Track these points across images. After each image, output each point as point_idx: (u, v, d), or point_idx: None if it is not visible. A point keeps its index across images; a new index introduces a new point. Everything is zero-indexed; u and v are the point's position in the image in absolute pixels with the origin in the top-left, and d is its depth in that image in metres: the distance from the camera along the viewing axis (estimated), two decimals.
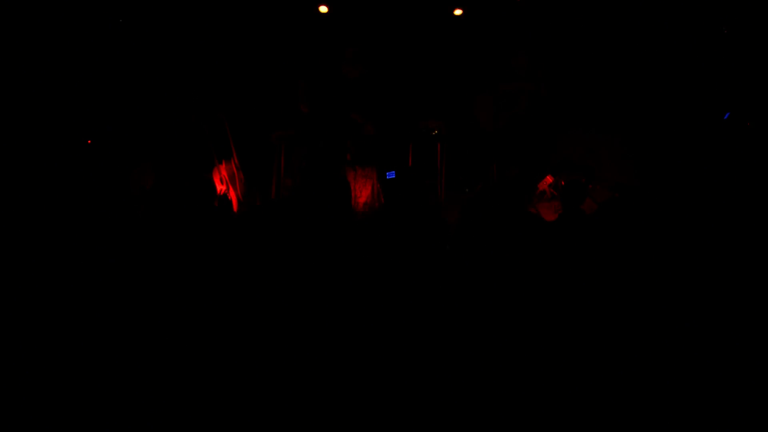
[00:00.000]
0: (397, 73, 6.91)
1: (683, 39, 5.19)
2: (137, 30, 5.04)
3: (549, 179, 6.40)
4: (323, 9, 6.06)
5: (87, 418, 1.68)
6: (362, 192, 6.23)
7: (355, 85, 5.78)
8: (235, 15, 6.44)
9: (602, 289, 2.90)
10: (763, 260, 3.14)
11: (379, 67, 6.63)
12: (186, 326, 2.18)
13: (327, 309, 1.98)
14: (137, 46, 5.18)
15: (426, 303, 2.18)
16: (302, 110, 5.91)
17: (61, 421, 1.67)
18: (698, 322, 2.30)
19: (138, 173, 5.55)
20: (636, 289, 2.85)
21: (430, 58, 6.81)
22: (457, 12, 6.16)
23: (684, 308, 2.41)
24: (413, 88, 6.99)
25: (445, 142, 6.44)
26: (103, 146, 5.18)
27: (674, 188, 5.43)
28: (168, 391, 1.75)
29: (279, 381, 1.83)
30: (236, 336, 1.91)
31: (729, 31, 4.71)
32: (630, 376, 2.05)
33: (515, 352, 2.10)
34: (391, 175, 5.07)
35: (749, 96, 5.17)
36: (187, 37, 6.31)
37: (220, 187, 5.78)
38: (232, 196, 6.08)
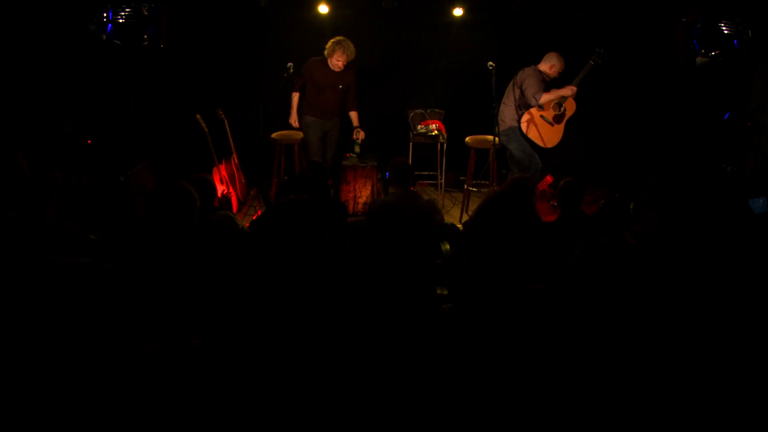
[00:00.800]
0: (398, 73, 6.92)
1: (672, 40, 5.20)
2: (137, 29, 5.03)
3: (549, 179, 6.40)
4: (323, 9, 6.06)
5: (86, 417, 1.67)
6: (362, 192, 6.23)
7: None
8: (236, 15, 6.44)
9: (603, 288, 2.90)
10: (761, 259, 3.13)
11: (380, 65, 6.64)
12: (185, 326, 2.18)
13: (326, 311, 1.97)
14: (137, 45, 5.17)
15: (426, 303, 2.18)
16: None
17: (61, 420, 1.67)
18: (701, 321, 2.30)
19: (138, 173, 5.55)
20: (636, 289, 2.84)
21: (431, 58, 6.81)
22: (457, 12, 6.16)
23: (685, 308, 2.40)
24: (413, 88, 6.99)
25: (445, 141, 6.46)
26: (103, 146, 5.18)
27: (675, 188, 5.43)
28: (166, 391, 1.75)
29: (279, 381, 1.82)
30: (236, 336, 1.91)
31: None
32: (630, 376, 2.05)
33: (516, 354, 2.09)
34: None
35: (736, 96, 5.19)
36: (188, 36, 6.31)
37: (220, 187, 5.78)
38: (233, 195, 6.08)
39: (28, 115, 4.76)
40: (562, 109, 5.64)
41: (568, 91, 5.57)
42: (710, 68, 5.02)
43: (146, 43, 5.15)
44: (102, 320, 1.76)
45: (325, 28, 6.50)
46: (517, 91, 5.71)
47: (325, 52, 5.65)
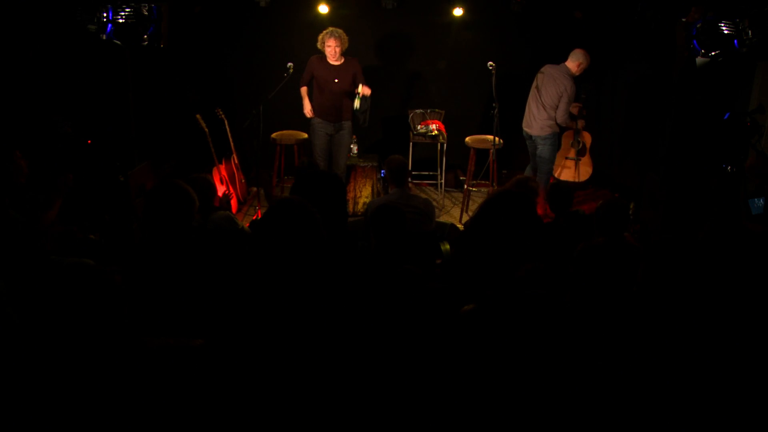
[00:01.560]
0: (398, 73, 6.91)
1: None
2: (137, 29, 5.03)
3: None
4: (323, 9, 6.05)
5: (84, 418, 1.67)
6: (362, 192, 6.23)
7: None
8: (236, 15, 6.44)
9: (602, 289, 2.90)
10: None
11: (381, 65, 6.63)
12: (187, 325, 2.18)
13: (325, 311, 1.97)
14: (137, 45, 5.17)
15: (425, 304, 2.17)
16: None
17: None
18: (700, 321, 2.29)
19: (138, 173, 5.55)
20: (637, 289, 2.84)
21: (431, 58, 6.81)
22: (457, 12, 6.16)
23: (686, 309, 2.40)
24: (413, 88, 6.99)
25: (445, 141, 6.45)
26: (103, 146, 5.17)
27: (675, 188, 5.43)
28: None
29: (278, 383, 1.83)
30: (237, 335, 1.91)
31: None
32: (631, 376, 2.05)
33: (518, 355, 2.09)
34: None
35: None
36: (188, 36, 6.31)
37: (220, 188, 5.78)
38: (233, 195, 6.08)
39: (27, 115, 4.75)
40: (581, 144, 5.98)
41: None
42: (710, 68, 5.02)
43: (146, 43, 5.14)
44: (95, 316, 1.77)
45: (325, 28, 6.50)
46: (555, 96, 5.71)
47: (318, 45, 5.66)
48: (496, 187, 5.95)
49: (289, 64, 5.66)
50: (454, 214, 6.32)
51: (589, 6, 6.06)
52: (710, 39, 4.85)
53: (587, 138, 6.06)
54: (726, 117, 4.86)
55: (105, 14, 4.74)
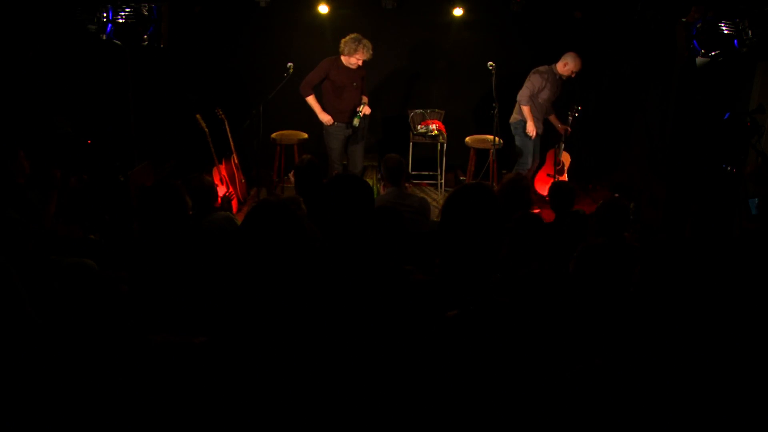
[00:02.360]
0: (398, 73, 6.91)
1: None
2: (137, 29, 5.04)
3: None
4: (323, 9, 6.05)
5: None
6: None
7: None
8: (236, 15, 6.44)
9: (602, 288, 2.90)
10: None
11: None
12: (187, 324, 2.18)
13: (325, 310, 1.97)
14: (137, 45, 5.17)
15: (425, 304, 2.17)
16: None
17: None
18: (698, 321, 2.29)
19: (138, 173, 5.55)
20: (637, 289, 2.84)
21: (431, 58, 6.81)
22: (457, 12, 6.16)
23: (682, 308, 2.40)
24: (413, 88, 6.99)
25: (445, 141, 6.45)
26: (103, 146, 5.17)
27: (674, 187, 5.43)
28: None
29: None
30: (235, 334, 1.91)
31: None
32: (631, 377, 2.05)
33: (515, 354, 2.09)
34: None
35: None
36: (188, 36, 6.31)
37: (220, 188, 5.78)
38: (232, 195, 6.08)
39: (28, 115, 4.76)
40: (560, 164, 6.16)
41: (532, 128, 5.90)
42: (710, 68, 5.02)
43: (146, 43, 5.15)
44: (97, 314, 1.78)
45: (325, 28, 6.50)
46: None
47: (344, 49, 5.50)
48: (496, 187, 5.95)
49: (289, 64, 5.66)
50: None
51: (589, 6, 6.06)
52: (710, 39, 4.85)
53: (566, 159, 6.23)
54: (726, 117, 4.86)
55: (105, 14, 4.74)
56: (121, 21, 4.82)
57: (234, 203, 6.06)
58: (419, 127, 6.58)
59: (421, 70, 6.86)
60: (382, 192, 6.06)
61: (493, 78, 5.58)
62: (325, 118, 5.71)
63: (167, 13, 5.32)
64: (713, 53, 4.87)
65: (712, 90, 5.18)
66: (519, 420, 1.87)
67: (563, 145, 6.15)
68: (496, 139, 5.70)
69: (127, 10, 4.84)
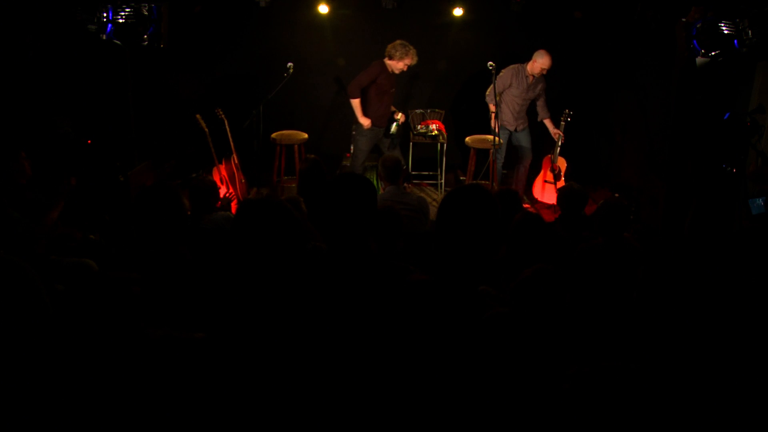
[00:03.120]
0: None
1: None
2: (137, 29, 5.04)
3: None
4: (323, 9, 6.05)
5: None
6: None
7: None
8: (236, 15, 6.44)
9: (603, 288, 2.90)
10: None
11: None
12: (187, 322, 2.18)
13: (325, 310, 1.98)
14: (137, 45, 5.17)
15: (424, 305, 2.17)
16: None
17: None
18: (698, 320, 2.30)
19: (138, 173, 5.56)
20: (638, 288, 2.85)
21: (431, 58, 6.81)
22: (457, 12, 6.16)
23: (687, 309, 2.41)
24: (413, 88, 6.99)
25: (445, 141, 6.45)
26: (103, 146, 5.18)
27: (674, 187, 5.43)
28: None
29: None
30: (234, 332, 1.91)
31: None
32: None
33: (515, 354, 2.09)
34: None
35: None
36: (188, 36, 6.31)
37: (220, 188, 5.78)
38: (232, 195, 6.08)
39: (28, 115, 4.76)
40: (557, 169, 6.19)
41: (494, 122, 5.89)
42: (710, 68, 5.02)
43: (146, 43, 5.14)
44: (98, 314, 1.79)
45: (325, 28, 6.50)
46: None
47: (394, 54, 5.55)
48: (496, 187, 5.96)
49: (289, 64, 5.66)
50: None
51: (589, 6, 6.06)
52: (710, 39, 4.85)
53: (562, 164, 6.24)
54: (726, 117, 4.86)
55: (105, 14, 4.74)
56: (121, 21, 4.82)
57: (234, 203, 6.06)
58: (419, 127, 6.58)
59: (421, 70, 6.85)
60: (381, 192, 6.08)
61: (493, 78, 5.59)
62: (366, 121, 5.75)
63: (167, 13, 5.32)
64: (713, 53, 4.87)
65: (712, 90, 5.17)
66: (518, 420, 1.87)
67: (558, 150, 6.14)
68: (496, 139, 5.70)
69: (127, 10, 4.84)
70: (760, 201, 4.49)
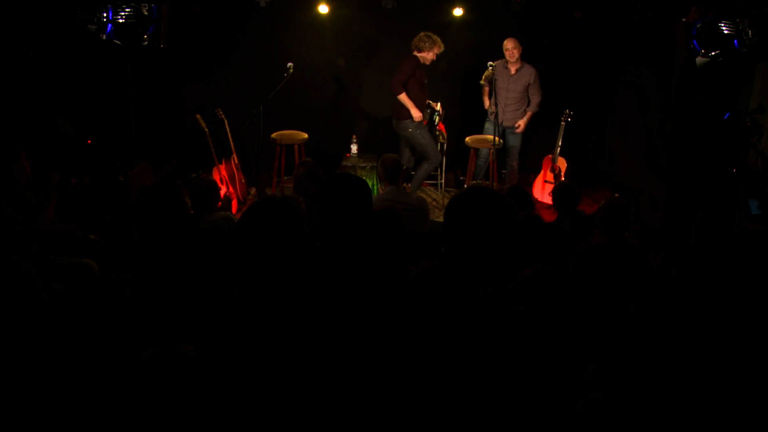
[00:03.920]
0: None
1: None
2: (137, 29, 5.04)
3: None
4: (323, 9, 6.05)
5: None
6: None
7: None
8: (236, 15, 6.44)
9: (603, 288, 2.89)
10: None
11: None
12: (180, 329, 2.18)
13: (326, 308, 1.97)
14: (137, 45, 5.17)
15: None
16: None
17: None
18: (700, 322, 2.29)
19: (138, 173, 5.56)
20: (637, 289, 2.84)
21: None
22: (457, 12, 6.16)
23: (686, 309, 2.40)
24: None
25: (445, 141, 6.45)
26: (103, 146, 5.18)
27: (674, 187, 5.43)
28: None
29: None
30: (230, 340, 1.91)
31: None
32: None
33: (516, 355, 2.09)
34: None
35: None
36: (188, 36, 6.31)
37: (221, 188, 5.78)
38: (232, 195, 6.08)
39: (28, 116, 4.76)
40: (557, 169, 6.24)
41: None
42: (710, 68, 5.02)
43: (146, 43, 5.14)
44: (99, 315, 1.78)
45: (325, 28, 6.50)
46: None
47: (423, 47, 5.67)
48: (496, 186, 5.96)
49: (289, 64, 5.66)
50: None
51: (589, 6, 6.06)
52: (710, 39, 4.85)
53: (563, 164, 6.27)
54: (726, 117, 4.86)
55: (105, 14, 4.74)
56: (121, 21, 4.82)
57: (234, 203, 6.06)
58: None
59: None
60: (381, 192, 6.08)
61: (493, 78, 5.59)
62: (419, 114, 5.83)
63: (167, 13, 5.32)
64: (713, 53, 4.87)
65: (712, 90, 5.18)
66: (518, 421, 1.87)
67: (558, 150, 6.14)
68: (496, 139, 5.70)
69: (127, 10, 4.84)
70: (755, 202, 4.50)
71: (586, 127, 6.80)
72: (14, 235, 2.99)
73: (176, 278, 2.44)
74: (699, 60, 4.98)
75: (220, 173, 5.90)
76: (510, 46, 5.92)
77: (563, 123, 6.06)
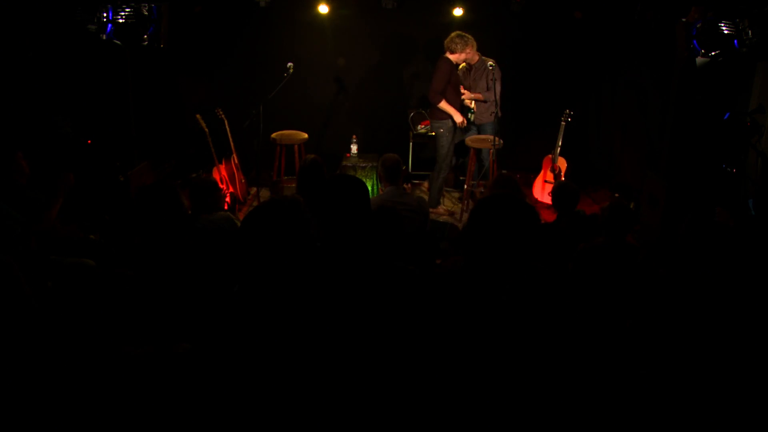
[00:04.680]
0: (398, 73, 6.91)
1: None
2: (137, 29, 5.04)
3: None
4: (323, 9, 6.05)
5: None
6: None
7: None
8: (236, 15, 6.44)
9: (602, 287, 2.90)
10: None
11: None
12: (176, 328, 2.18)
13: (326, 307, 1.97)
14: (137, 45, 5.18)
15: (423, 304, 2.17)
16: None
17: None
18: (697, 320, 2.29)
19: (138, 173, 5.56)
20: (637, 288, 2.84)
21: (431, 58, 6.81)
22: (457, 12, 6.16)
23: (686, 309, 2.40)
24: (413, 88, 6.99)
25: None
26: (103, 146, 5.18)
27: (674, 187, 5.43)
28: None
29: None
30: (227, 338, 1.91)
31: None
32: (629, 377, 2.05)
33: (517, 354, 2.09)
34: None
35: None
36: (188, 36, 6.31)
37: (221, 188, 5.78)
38: (230, 195, 6.08)
39: (28, 115, 4.76)
40: (557, 169, 6.24)
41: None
42: (710, 68, 5.02)
43: (146, 43, 5.14)
44: (101, 312, 1.78)
45: (325, 28, 6.51)
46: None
47: (455, 48, 5.64)
48: (482, 189, 5.97)
49: (289, 64, 5.66)
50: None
51: (589, 6, 6.06)
52: (710, 39, 4.84)
53: (563, 164, 6.26)
54: (726, 117, 4.86)
55: (105, 14, 4.74)
56: (121, 21, 4.82)
57: (230, 202, 6.06)
58: (419, 127, 6.58)
59: (421, 70, 6.86)
60: (381, 192, 6.08)
61: (494, 77, 5.58)
62: (461, 118, 5.82)
63: (167, 13, 5.32)
64: (713, 53, 4.87)
65: (712, 90, 5.17)
66: (517, 421, 1.87)
67: (558, 150, 6.14)
68: (496, 139, 5.70)
69: (127, 10, 4.84)
70: (750, 203, 4.51)
71: (586, 127, 6.80)
72: (13, 234, 2.99)
73: (172, 277, 2.45)
74: (699, 60, 4.98)
75: (220, 173, 5.90)
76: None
77: (563, 123, 6.06)
